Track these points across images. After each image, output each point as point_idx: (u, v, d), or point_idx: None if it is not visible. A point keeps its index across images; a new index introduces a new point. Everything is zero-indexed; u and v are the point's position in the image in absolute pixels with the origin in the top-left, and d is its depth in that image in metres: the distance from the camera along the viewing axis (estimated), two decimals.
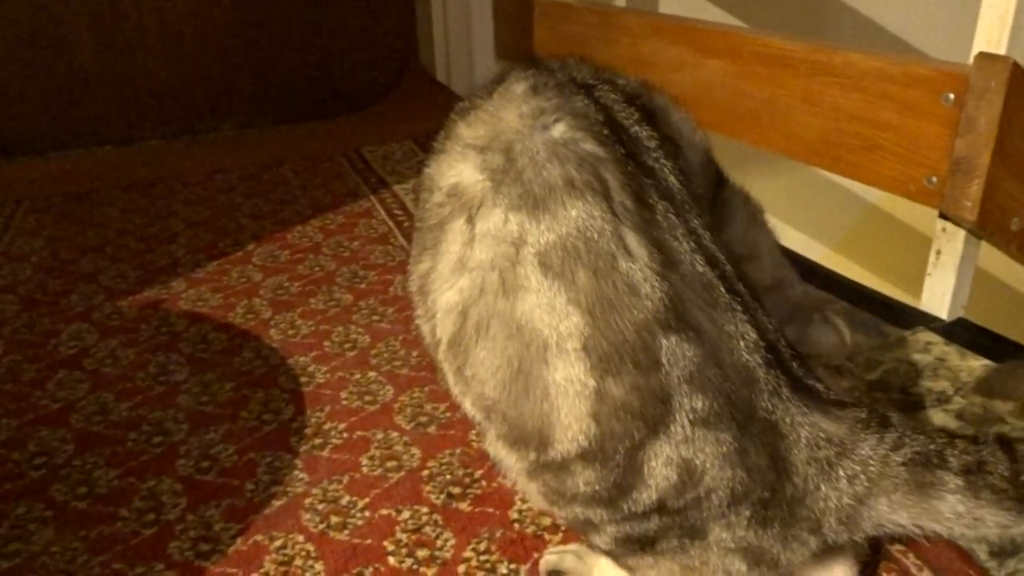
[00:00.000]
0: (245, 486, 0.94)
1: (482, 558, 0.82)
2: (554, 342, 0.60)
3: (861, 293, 1.34)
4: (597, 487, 0.63)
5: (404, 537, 0.85)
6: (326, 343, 1.23)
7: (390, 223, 1.65)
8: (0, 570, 0.83)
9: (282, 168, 2.00)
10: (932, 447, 0.64)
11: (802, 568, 0.68)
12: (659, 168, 0.66)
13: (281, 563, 0.83)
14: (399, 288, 1.38)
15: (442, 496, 0.91)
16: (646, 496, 0.62)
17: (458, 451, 0.98)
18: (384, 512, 0.89)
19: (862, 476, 0.63)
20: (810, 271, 1.41)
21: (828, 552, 0.67)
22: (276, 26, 2.34)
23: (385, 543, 0.85)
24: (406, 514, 0.88)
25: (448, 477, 0.93)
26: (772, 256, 0.89)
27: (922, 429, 0.66)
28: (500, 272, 0.62)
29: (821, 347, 0.92)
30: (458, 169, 0.67)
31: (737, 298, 0.63)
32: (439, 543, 0.84)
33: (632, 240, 0.61)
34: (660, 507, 0.62)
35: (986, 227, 1.15)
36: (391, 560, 0.82)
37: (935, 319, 1.23)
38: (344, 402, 1.08)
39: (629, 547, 0.66)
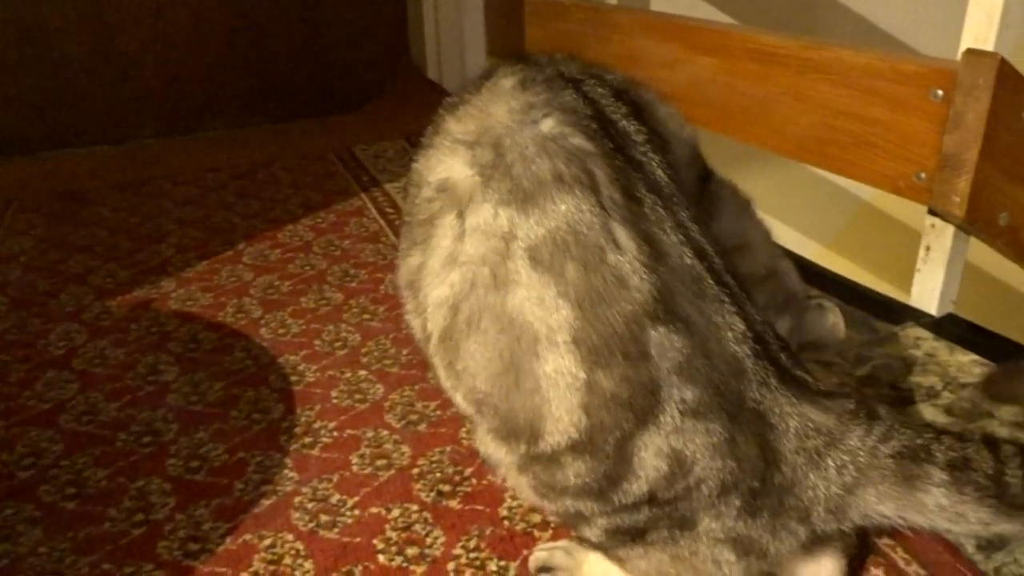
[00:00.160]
0: (235, 485, 0.93)
1: (472, 556, 0.82)
2: (544, 335, 0.60)
3: (852, 290, 1.34)
4: (587, 479, 0.63)
5: (394, 535, 0.85)
6: (316, 342, 1.22)
7: (381, 222, 1.65)
8: None
9: (273, 167, 1.99)
10: (919, 441, 0.64)
11: (791, 558, 0.68)
12: (647, 162, 0.66)
13: (271, 562, 0.82)
14: (390, 287, 1.37)
15: (432, 494, 0.91)
16: (636, 487, 0.62)
17: (448, 449, 0.98)
18: (374, 510, 0.89)
19: (850, 466, 0.63)
20: (801, 268, 1.41)
21: (817, 543, 0.67)
22: (267, 26, 2.34)
23: (375, 541, 0.84)
24: (396, 512, 0.88)
25: (438, 475, 0.93)
26: (765, 246, 0.89)
27: (910, 423, 0.66)
28: (491, 266, 0.62)
29: (818, 331, 0.92)
30: (448, 164, 0.67)
31: (725, 290, 0.63)
32: (429, 541, 0.84)
33: (621, 233, 0.61)
34: (650, 498, 0.62)
35: (975, 223, 1.15)
36: (381, 558, 0.82)
37: (925, 315, 1.23)
38: (334, 401, 1.08)
39: (619, 539, 0.66)
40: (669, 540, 0.64)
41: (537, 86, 0.66)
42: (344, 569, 0.81)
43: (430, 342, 0.68)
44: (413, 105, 2.34)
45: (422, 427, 1.02)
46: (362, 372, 1.14)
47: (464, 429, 1.00)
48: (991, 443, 0.64)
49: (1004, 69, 1.06)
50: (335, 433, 1.02)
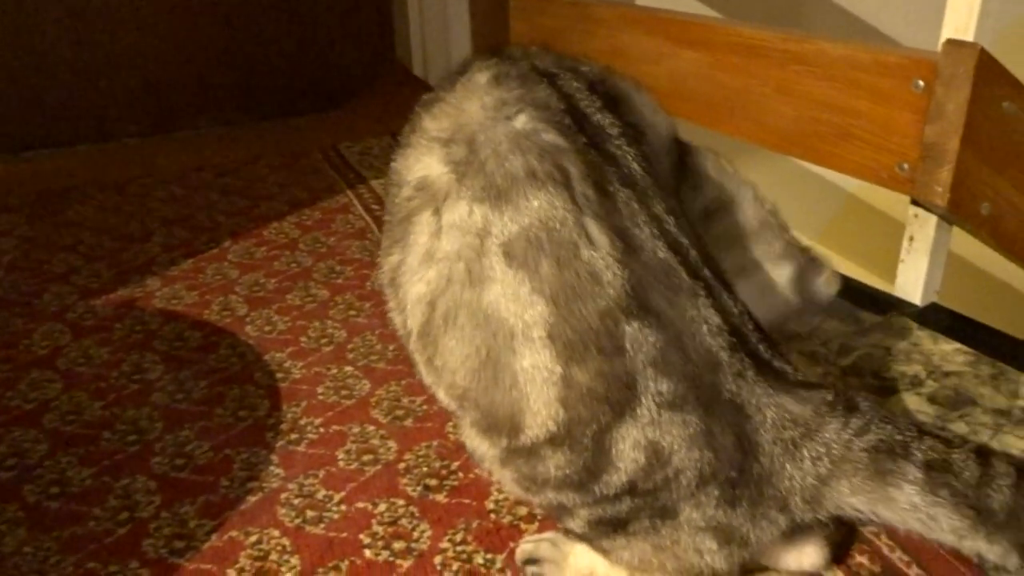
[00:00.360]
0: (220, 482, 0.93)
1: (458, 549, 0.82)
2: (520, 330, 0.61)
3: None
4: (567, 471, 0.63)
5: (380, 530, 0.85)
6: (302, 339, 1.22)
7: (367, 218, 1.64)
8: None
9: (258, 165, 1.98)
10: (899, 437, 0.64)
11: (773, 546, 0.68)
12: (621, 156, 0.66)
13: (257, 558, 0.82)
14: (375, 283, 1.37)
15: (419, 488, 0.91)
16: (616, 479, 0.62)
17: (435, 443, 0.98)
18: (360, 505, 0.89)
19: (825, 458, 0.63)
20: None
21: (799, 531, 0.68)
22: (252, 22, 2.32)
23: (361, 536, 0.84)
24: (382, 507, 0.88)
25: (425, 469, 0.93)
26: (751, 200, 0.88)
27: (893, 419, 0.66)
28: (466, 263, 0.62)
29: (813, 287, 0.89)
30: (425, 163, 0.67)
31: (700, 283, 0.64)
32: (415, 535, 0.84)
33: (594, 229, 0.61)
34: (630, 489, 0.62)
35: (957, 212, 1.16)
36: (367, 553, 0.82)
37: (909, 305, 1.24)
38: (320, 397, 1.08)
39: (602, 530, 0.66)
40: (651, 530, 0.65)
41: (511, 81, 0.66)
42: (331, 564, 0.81)
43: (411, 338, 0.68)
44: (399, 102, 2.33)
45: (408, 422, 1.02)
46: (348, 368, 1.14)
47: (450, 424, 1.00)
48: (982, 454, 0.63)
49: (984, 59, 1.07)
50: (321, 429, 1.01)
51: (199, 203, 1.76)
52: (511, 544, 0.82)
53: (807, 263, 0.87)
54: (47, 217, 1.71)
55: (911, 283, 1.25)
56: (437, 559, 0.81)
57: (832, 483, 0.63)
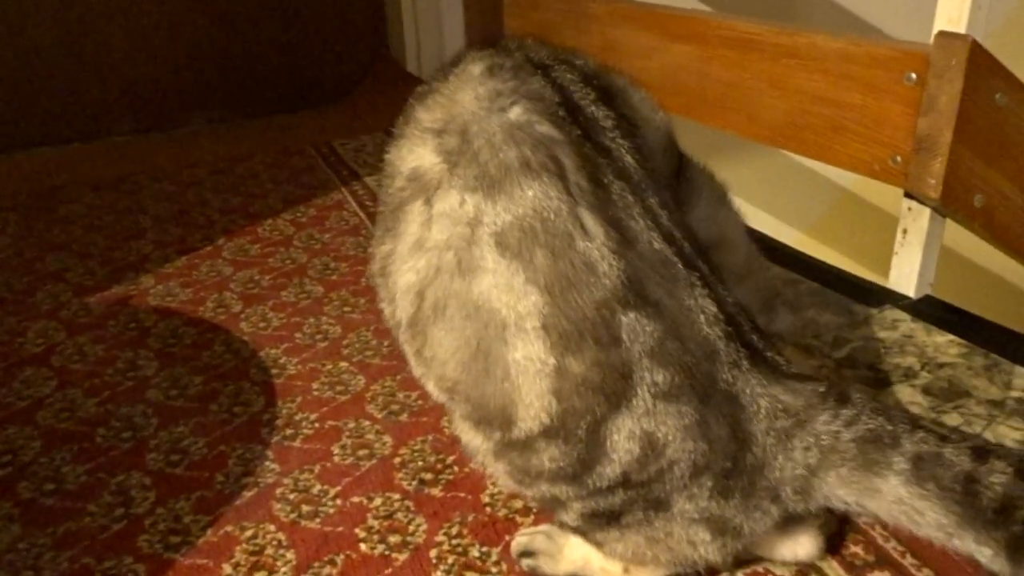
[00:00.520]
0: (215, 478, 0.93)
1: (454, 542, 0.82)
2: (512, 321, 0.60)
3: (830, 274, 1.35)
4: (561, 463, 0.63)
5: (376, 524, 0.85)
6: (297, 335, 1.22)
7: (361, 215, 1.64)
8: None
9: (252, 162, 1.98)
10: (889, 428, 0.63)
11: (767, 537, 0.68)
12: (615, 148, 0.66)
13: (252, 553, 0.82)
14: (368, 275, 1.37)
15: (414, 482, 0.91)
16: (610, 470, 0.62)
17: (430, 438, 0.98)
18: (356, 500, 0.89)
19: (814, 449, 0.63)
20: (780, 253, 1.42)
21: (793, 521, 0.68)
22: (244, 19, 2.32)
23: (357, 530, 0.84)
24: (378, 501, 0.88)
25: (420, 464, 0.93)
26: (742, 242, 0.89)
27: (886, 411, 0.65)
28: (456, 252, 0.62)
29: (784, 329, 0.92)
30: (418, 153, 0.67)
31: (696, 273, 0.64)
32: (411, 528, 0.84)
33: (588, 220, 0.61)
34: (624, 481, 0.62)
35: (950, 205, 1.16)
36: (363, 547, 0.82)
37: (903, 297, 1.24)
38: (315, 393, 1.08)
39: (596, 522, 0.66)
40: (644, 522, 0.65)
41: (504, 73, 0.66)
42: (326, 558, 0.81)
43: (400, 329, 0.68)
44: (393, 98, 2.32)
45: (403, 417, 1.02)
46: (343, 364, 1.14)
47: (445, 418, 1.00)
48: (980, 450, 0.62)
49: (976, 51, 1.07)
50: (316, 424, 1.01)
51: (192, 200, 1.76)
52: (507, 537, 0.82)
53: (778, 304, 0.89)
54: (40, 215, 1.70)
55: (905, 275, 1.25)
56: (433, 553, 0.81)
57: (821, 474, 0.64)
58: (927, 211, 1.21)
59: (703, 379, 0.61)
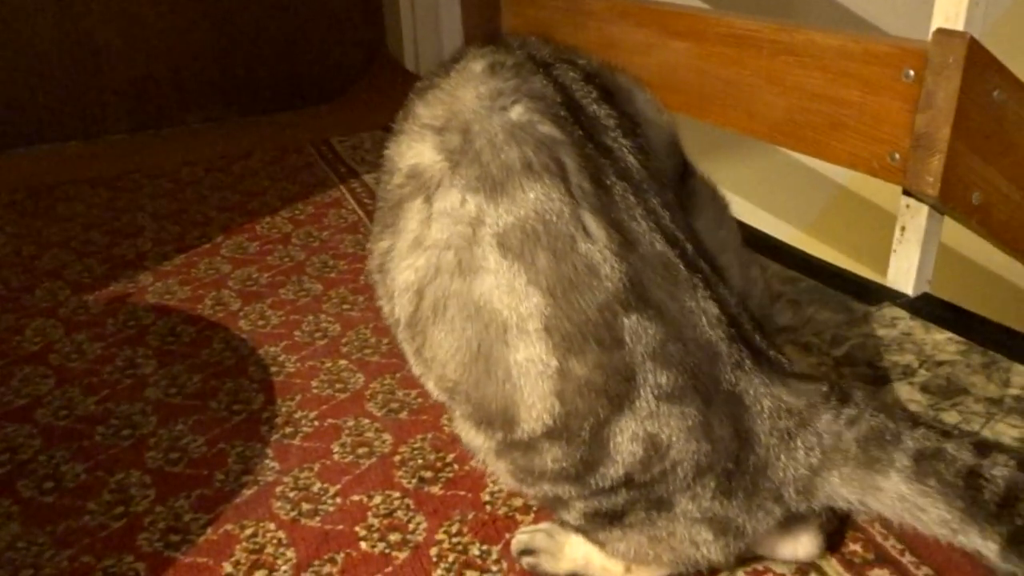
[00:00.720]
0: (215, 476, 0.93)
1: (454, 540, 0.82)
2: (514, 323, 0.60)
3: (829, 271, 1.35)
4: (564, 464, 0.63)
5: (376, 522, 0.85)
6: (296, 333, 1.22)
7: (360, 212, 1.64)
8: None
9: (250, 160, 1.98)
10: (891, 426, 0.63)
11: (768, 536, 0.68)
12: (617, 148, 0.66)
13: (252, 551, 0.82)
14: (367, 272, 1.37)
15: (414, 481, 0.91)
16: (613, 471, 0.62)
17: (430, 436, 0.98)
18: (356, 498, 0.89)
19: (816, 448, 0.63)
20: (778, 251, 1.42)
21: (794, 520, 0.68)
22: (241, 17, 2.31)
23: (357, 528, 0.84)
24: (378, 499, 0.88)
25: (420, 462, 0.93)
26: (736, 263, 0.88)
27: (887, 409, 0.65)
28: (456, 252, 0.62)
29: (784, 325, 0.92)
30: (417, 150, 0.66)
31: (698, 274, 0.64)
32: (411, 527, 0.84)
33: (591, 221, 0.61)
34: (627, 481, 0.63)
35: (948, 202, 1.16)
36: (363, 545, 0.82)
37: (901, 295, 1.24)
38: (315, 390, 1.08)
39: (598, 522, 0.66)
40: (647, 522, 0.65)
41: (506, 71, 0.66)
42: (326, 556, 0.81)
43: (398, 327, 0.68)
44: (391, 96, 2.32)
45: (403, 415, 1.02)
46: (343, 362, 1.14)
47: (445, 416, 1.00)
48: (981, 445, 0.62)
49: (974, 48, 1.07)
50: (316, 423, 1.01)
51: (190, 198, 1.76)
52: (507, 535, 0.82)
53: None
54: (37, 213, 1.70)
55: (903, 273, 1.25)
56: (433, 551, 0.81)
57: (823, 474, 0.64)
58: (925, 208, 1.21)
59: (706, 380, 0.61)
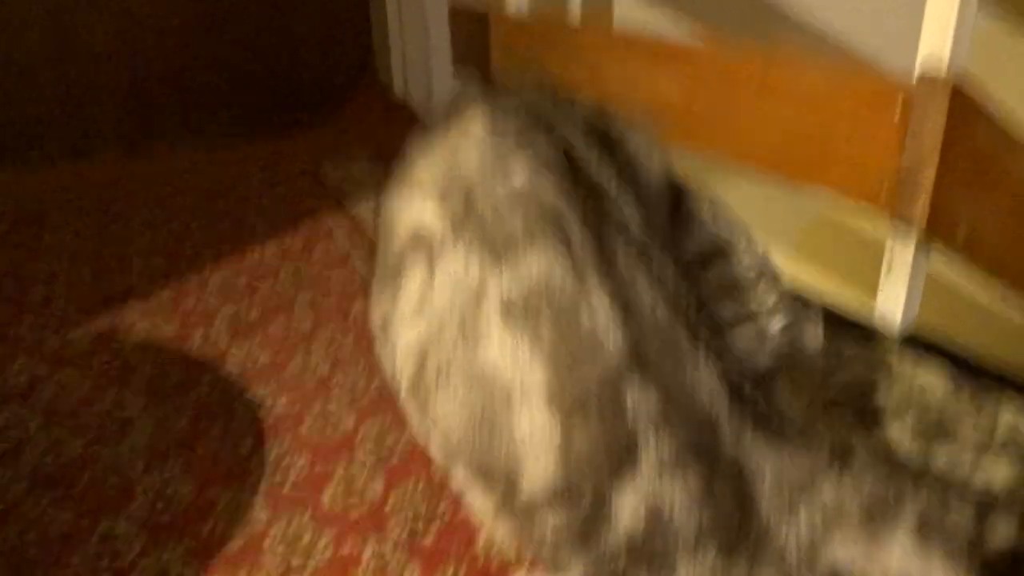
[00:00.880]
0: (203, 526, 0.92)
1: None
2: (518, 393, 0.60)
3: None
4: (565, 529, 0.63)
5: (368, 574, 0.84)
6: (285, 373, 1.21)
7: (348, 246, 1.63)
8: None
9: (240, 190, 1.97)
10: (893, 488, 0.63)
11: None
12: (618, 210, 0.66)
13: None
14: (358, 314, 1.36)
15: (406, 530, 0.90)
16: (613, 537, 0.62)
17: (421, 485, 0.97)
18: (346, 551, 0.88)
19: (818, 516, 0.63)
20: None
21: None
22: (230, 38, 2.32)
23: None
24: (369, 551, 0.87)
25: (411, 512, 0.93)
26: (748, 247, 0.88)
27: (889, 464, 0.65)
28: (459, 319, 0.62)
29: (804, 340, 0.90)
30: (419, 212, 0.66)
31: (700, 342, 0.64)
32: None
33: (594, 292, 0.61)
34: (628, 547, 0.62)
35: (934, 238, 1.17)
36: None
37: (889, 332, 1.25)
38: (304, 434, 1.07)
39: None
40: None
41: (508, 137, 0.66)
42: None
43: (401, 387, 0.68)
44: (379, 124, 2.33)
45: (394, 461, 1.01)
46: (332, 405, 1.13)
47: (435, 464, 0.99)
48: (983, 500, 0.62)
49: (957, 93, 1.08)
50: (305, 469, 1.00)
51: (178, 230, 1.74)
52: None
53: (799, 313, 0.87)
54: (22, 244, 1.68)
55: (890, 311, 1.26)
56: None
57: (827, 540, 0.63)
58: (911, 246, 1.22)
59: (707, 449, 0.61)
